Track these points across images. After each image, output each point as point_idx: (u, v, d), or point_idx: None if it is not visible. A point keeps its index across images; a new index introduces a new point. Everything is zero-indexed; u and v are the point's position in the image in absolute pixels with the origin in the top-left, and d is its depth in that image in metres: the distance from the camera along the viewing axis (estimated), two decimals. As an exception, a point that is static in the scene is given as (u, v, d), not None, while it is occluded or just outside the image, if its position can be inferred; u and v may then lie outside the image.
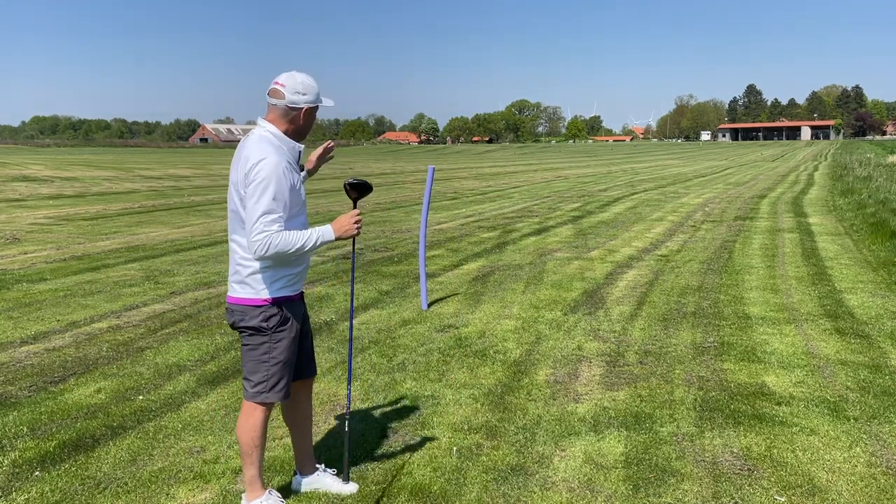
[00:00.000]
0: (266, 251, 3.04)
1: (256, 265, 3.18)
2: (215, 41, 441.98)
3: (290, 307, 3.28)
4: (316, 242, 3.14)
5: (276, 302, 3.23)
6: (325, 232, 3.17)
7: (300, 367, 3.47)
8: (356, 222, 3.23)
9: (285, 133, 3.24)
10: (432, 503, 3.53)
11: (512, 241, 12.39)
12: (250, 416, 3.30)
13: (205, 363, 5.64)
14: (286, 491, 3.63)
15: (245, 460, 3.35)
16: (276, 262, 3.19)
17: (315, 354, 3.68)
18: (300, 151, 3.30)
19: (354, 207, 3.36)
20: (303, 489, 3.63)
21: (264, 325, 3.22)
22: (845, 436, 4.27)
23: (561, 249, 11.36)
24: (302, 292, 3.42)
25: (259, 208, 3.03)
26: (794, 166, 42.23)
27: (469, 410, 4.68)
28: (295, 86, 3.19)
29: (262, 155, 3.08)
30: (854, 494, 3.59)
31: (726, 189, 24.73)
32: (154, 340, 6.27)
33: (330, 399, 4.89)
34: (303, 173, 3.44)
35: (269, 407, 3.33)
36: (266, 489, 3.41)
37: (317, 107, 3.29)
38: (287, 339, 3.27)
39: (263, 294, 3.21)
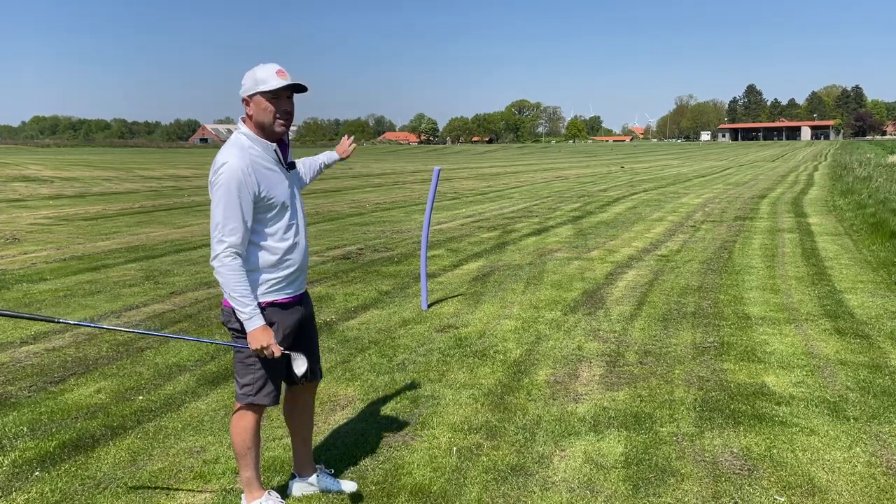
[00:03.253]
0: (218, 276, 3.02)
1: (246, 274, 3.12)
2: (215, 41, 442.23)
3: (278, 312, 3.17)
4: (243, 309, 3.02)
5: (266, 305, 3.14)
6: (251, 321, 3.02)
7: None
8: (264, 348, 3.05)
9: (255, 130, 3.08)
10: (432, 503, 3.53)
11: (512, 241, 12.39)
12: (241, 418, 3.26)
13: (205, 363, 5.64)
14: (285, 491, 3.62)
15: (240, 462, 3.31)
16: (256, 266, 3.11)
17: (319, 363, 3.57)
18: (275, 149, 3.11)
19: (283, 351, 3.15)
20: (302, 490, 3.61)
21: None
22: (845, 436, 4.27)
23: (561, 249, 11.36)
24: (300, 296, 3.31)
25: (215, 216, 2.99)
26: (794, 166, 42.23)
27: (469, 410, 4.68)
28: (244, 79, 3.05)
29: (225, 159, 2.99)
30: (854, 494, 3.59)
31: (726, 189, 24.72)
32: (154, 340, 6.26)
33: (330, 399, 4.88)
34: (294, 170, 3.28)
35: (258, 409, 3.27)
36: (265, 490, 3.38)
37: (267, 93, 2.99)
38: None
39: (258, 298, 3.12)
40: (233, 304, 3.05)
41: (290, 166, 3.24)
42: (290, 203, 3.20)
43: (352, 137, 4.10)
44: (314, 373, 3.50)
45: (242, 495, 3.41)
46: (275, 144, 3.13)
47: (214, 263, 3.01)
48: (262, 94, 3.00)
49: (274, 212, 3.11)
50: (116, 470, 3.86)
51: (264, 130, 3.08)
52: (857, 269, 9.38)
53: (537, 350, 5.98)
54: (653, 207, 18.31)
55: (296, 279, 3.26)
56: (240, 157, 3.01)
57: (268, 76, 2.99)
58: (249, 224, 3.03)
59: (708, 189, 24.86)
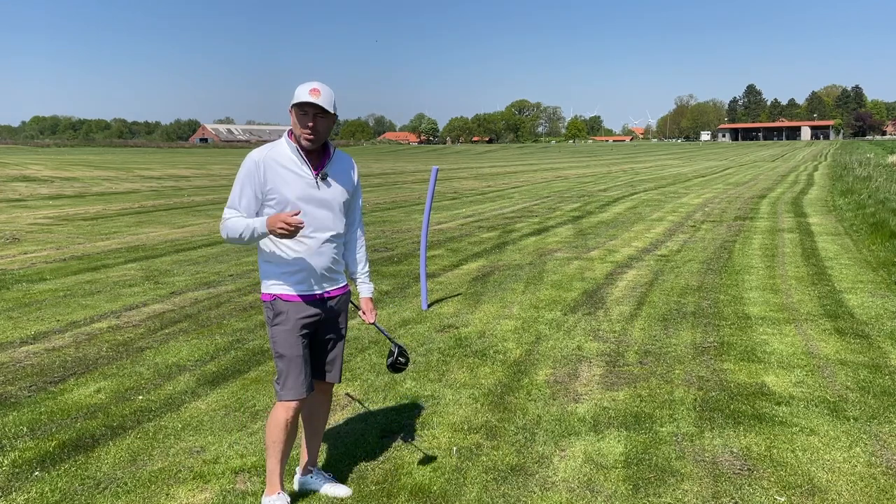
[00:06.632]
0: (224, 235, 3.29)
1: (260, 263, 3.40)
2: (215, 41, 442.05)
3: (289, 304, 3.30)
4: (252, 231, 3.18)
5: (272, 298, 3.33)
6: (260, 223, 3.17)
7: (314, 365, 3.47)
8: (287, 224, 3.04)
9: (293, 137, 3.29)
10: (432, 503, 3.53)
11: (512, 241, 12.39)
12: (273, 412, 3.38)
13: (205, 363, 5.64)
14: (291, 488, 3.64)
15: (266, 452, 3.43)
16: (267, 260, 3.33)
17: (338, 366, 3.57)
18: (299, 151, 3.25)
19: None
20: (299, 488, 3.68)
21: (268, 318, 3.37)
22: (845, 436, 4.26)
23: (561, 249, 11.36)
24: (316, 296, 3.34)
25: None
26: (794, 166, 42.23)
27: (469, 410, 4.68)
28: None
29: (251, 153, 3.33)
30: (854, 494, 3.59)
31: (726, 189, 24.72)
32: (154, 340, 6.26)
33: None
34: (324, 179, 3.32)
35: (286, 405, 3.32)
36: (278, 490, 3.43)
37: (299, 105, 3.19)
38: (282, 333, 3.28)
39: (265, 289, 3.36)
40: (246, 237, 3.21)
41: (323, 176, 3.31)
42: (301, 206, 3.24)
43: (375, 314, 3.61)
44: (323, 371, 3.53)
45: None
46: (291, 144, 3.28)
47: (222, 225, 3.30)
48: (294, 107, 3.22)
49: (278, 210, 3.24)
50: (116, 470, 3.86)
51: (297, 140, 3.30)
52: (857, 269, 9.38)
53: (537, 350, 5.98)
54: (653, 207, 18.31)
55: (304, 280, 3.32)
56: (260, 152, 3.29)
57: (301, 93, 3.19)
58: (251, 208, 3.26)
59: (708, 189, 24.86)
